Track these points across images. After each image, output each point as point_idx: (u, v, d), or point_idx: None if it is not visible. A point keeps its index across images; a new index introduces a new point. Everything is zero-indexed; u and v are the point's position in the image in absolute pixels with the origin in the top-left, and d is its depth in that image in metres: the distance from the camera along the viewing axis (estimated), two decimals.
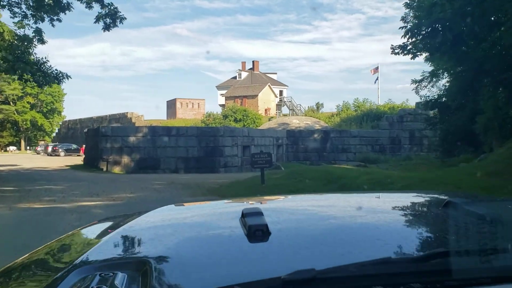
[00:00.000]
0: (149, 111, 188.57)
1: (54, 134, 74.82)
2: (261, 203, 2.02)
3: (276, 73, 77.14)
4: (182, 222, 1.62)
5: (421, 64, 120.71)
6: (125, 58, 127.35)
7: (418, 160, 23.54)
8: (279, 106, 67.42)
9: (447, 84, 22.17)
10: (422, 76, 27.38)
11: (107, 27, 17.79)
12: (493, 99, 13.17)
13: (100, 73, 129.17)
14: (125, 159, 26.56)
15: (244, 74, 73.23)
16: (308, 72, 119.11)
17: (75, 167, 28.66)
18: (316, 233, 1.31)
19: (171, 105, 74.40)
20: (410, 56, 16.17)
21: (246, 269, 1.07)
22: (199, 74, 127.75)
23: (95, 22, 17.80)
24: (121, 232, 1.49)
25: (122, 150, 26.57)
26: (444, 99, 17.96)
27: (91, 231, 1.73)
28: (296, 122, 39.12)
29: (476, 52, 12.66)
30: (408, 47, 15.76)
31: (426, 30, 13.55)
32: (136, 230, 1.54)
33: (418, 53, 21.35)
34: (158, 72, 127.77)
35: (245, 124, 44.82)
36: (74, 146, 51.71)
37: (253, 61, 75.73)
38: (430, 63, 24.77)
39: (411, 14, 23.95)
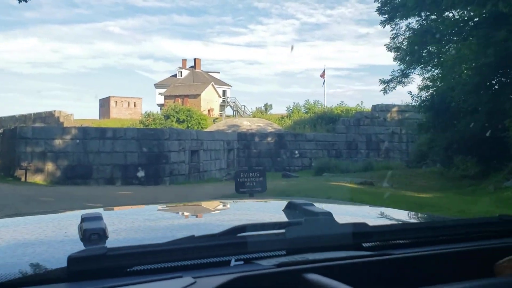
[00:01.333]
0: (80, 110, 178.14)
1: None
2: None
3: (219, 72, 73.43)
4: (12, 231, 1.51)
5: (351, 70, 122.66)
6: (55, 55, 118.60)
7: (400, 170, 20.75)
8: (222, 106, 63.82)
9: (433, 84, 19.61)
10: (391, 75, 25.11)
11: None
12: None
13: (28, 70, 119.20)
14: (50, 167, 22.00)
15: (185, 72, 68.94)
16: (245, 74, 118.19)
17: None
18: (154, 237, 1.29)
19: (105, 103, 68.71)
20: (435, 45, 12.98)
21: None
22: (132, 73, 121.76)
23: None
24: None
25: (46, 155, 21.99)
26: (437, 101, 15.20)
27: None
28: (247, 124, 35.72)
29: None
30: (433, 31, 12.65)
31: None
32: None
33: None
34: (89, 71, 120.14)
35: (189, 125, 40.87)
36: None
37: (194, 59, 71.53)
38: (404, 58, 22.28)
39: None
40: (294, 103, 47.81)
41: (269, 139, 33.53)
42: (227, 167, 30.74)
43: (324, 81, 62.61)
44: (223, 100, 64.94)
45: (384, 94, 24.99)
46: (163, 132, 24.09)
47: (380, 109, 36.59)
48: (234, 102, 64.52)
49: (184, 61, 71.97)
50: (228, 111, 63.06)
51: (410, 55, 21.16)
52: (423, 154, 22.27)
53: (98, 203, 13.20)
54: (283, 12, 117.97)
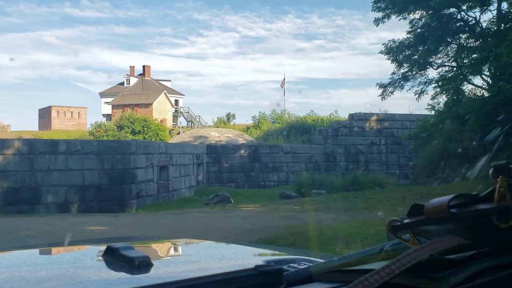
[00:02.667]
0: (16, 122, 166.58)
1: None
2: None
3: (170, 80, 69.20)
4: None
5: (290, 83, 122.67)
6: None
7: (421, 188, 17.71)
8: (175, 117, 59.62)
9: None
10: (390, 79, 22.52)
11: None
12: None
13: None
14: None
15: (134, 80, 64.18)
16: (185, 86, 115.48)
17: None
18: None
19: (45, 114, 62.70)
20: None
21: None
22: (69, 84, 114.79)
23: None
24: None
25: None
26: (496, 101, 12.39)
27: None
28: (216, 135, 31.94)
29: None
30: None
31: None
32: None
33: None
34: (23, 81, 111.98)
35: (146, 137, 36.54)
36: None
37: (143, 66, 66.94)
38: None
39: None
40: (260, 112, 44.54)
41: (242, 151, 29.89)
42: (196, 184, 26.89)
43: (284, 91, 60.11)
44: (175, 110, 60.79)
45: (382, 100, 22.38)
46: (129, 144, 19.87)
47: (358, 118, 33.90)
48: (188, 112, 60.57)
49: (132, 67, 67.23)
50: (182, 121, 59.03)
51: (424, 53, 18.46)
52: (434, 168, 19.49)
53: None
54: (224, 25, 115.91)
